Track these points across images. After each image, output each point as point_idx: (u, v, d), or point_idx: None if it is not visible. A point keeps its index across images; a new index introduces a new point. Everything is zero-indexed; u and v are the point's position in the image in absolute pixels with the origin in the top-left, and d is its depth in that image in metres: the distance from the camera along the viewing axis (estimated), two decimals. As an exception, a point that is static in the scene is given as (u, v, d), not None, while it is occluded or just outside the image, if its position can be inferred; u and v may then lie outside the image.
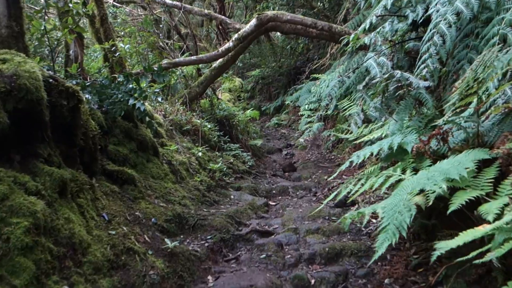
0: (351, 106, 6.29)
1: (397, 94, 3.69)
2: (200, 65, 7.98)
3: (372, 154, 3.17)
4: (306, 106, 10.98)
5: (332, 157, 8.02)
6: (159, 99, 4.10)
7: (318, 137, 10.33)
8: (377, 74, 4.56)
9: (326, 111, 9.24)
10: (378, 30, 4.05)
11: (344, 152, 7.74)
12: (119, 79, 4.25)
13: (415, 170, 2.85)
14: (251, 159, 6.95)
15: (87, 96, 3.74)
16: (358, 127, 5.05)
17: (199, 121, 5.96)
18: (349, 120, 7.43)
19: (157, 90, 4.36)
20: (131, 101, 4.00)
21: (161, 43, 7.17)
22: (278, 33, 20.30)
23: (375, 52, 4.85)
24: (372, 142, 4.03)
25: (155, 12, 11.19)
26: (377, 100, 4.71)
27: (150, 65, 4.03)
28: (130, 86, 4.09)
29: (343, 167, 3.47)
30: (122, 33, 7.68)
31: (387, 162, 3.24)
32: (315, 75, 11.83)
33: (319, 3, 11.90)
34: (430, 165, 2.77)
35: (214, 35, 17.37)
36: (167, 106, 5.79)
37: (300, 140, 10.45)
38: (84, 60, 6.00)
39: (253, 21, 6.41)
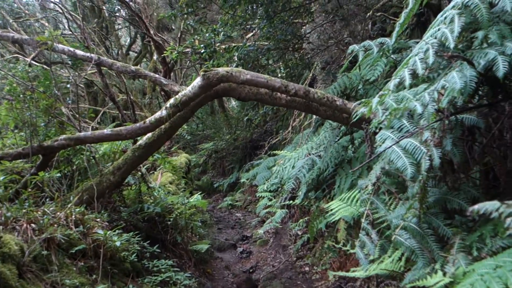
0: (341, 208, 4.25)
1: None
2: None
3: None
4: (265, 186, 9.06)
5: (306, 268, 5.81)
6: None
7: (281, 229, 8.25)
8: (406, 168, 2.56)
9: (293, 200, 7.25)
10: (436, 85, 2.08)
11: (322, 261, 5.59)
12: None
13: None
14: (190, 281, 4.62)
15: None
16: (369, 256, 2.95)
17: (102, 232, 3.65)
18: (338, 225, 5.37)
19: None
20: None
21: (64, 109, 4.98)
22: (234, 103, 18.78)
23: (394, 130, 2.89)
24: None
25: (85, 74, 9.12)
26: (409, 214, 2.68)
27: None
28: None
29: None
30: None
31: None
32: (274, 152, 10.11)
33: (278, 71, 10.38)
34: None
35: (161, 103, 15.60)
36: (48, 210, 3.50)
37: (259, 232, 8.33)
38: None
39: (197, 81, 4.40)
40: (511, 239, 2.00)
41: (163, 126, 4.72)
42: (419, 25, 6.60)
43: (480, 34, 2.05)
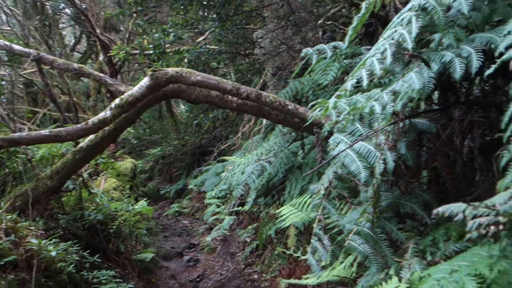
0: (292, 213, 4.18)
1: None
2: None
3: None
4: (213, 192, 8.90)
5: (255, 276, 5.70)
6: None
7: (230, 237, 8.10)
8: (360, 172, 2.53)
9: (242, 206, 7.14)
10: (394, 86, 2.04)
11: (271, 269, 5.50)
12: None
13: None
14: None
15: None
16: (321, 262, 2.88)
17: (36, 241, 3.35)
18: (288, 231, 5.30)
19: None
20: None
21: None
22: (182, 107, 18.41)
23: (347, 134, 2.86)
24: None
25: (23, 71, 8.56)
26: (363, 218, 2.65)
27: None
28: None
29: None
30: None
31: None
32: (223, 157, 9.97)
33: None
34: None
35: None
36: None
37: (207, 239, 8.12)
38: None
39: (145, 81, 4.20)
40: (464, 243, 1.99)
41: (107, 128, 4.46)
42: (367, 35, 6.76)
43: (436, 36, 2.04)
